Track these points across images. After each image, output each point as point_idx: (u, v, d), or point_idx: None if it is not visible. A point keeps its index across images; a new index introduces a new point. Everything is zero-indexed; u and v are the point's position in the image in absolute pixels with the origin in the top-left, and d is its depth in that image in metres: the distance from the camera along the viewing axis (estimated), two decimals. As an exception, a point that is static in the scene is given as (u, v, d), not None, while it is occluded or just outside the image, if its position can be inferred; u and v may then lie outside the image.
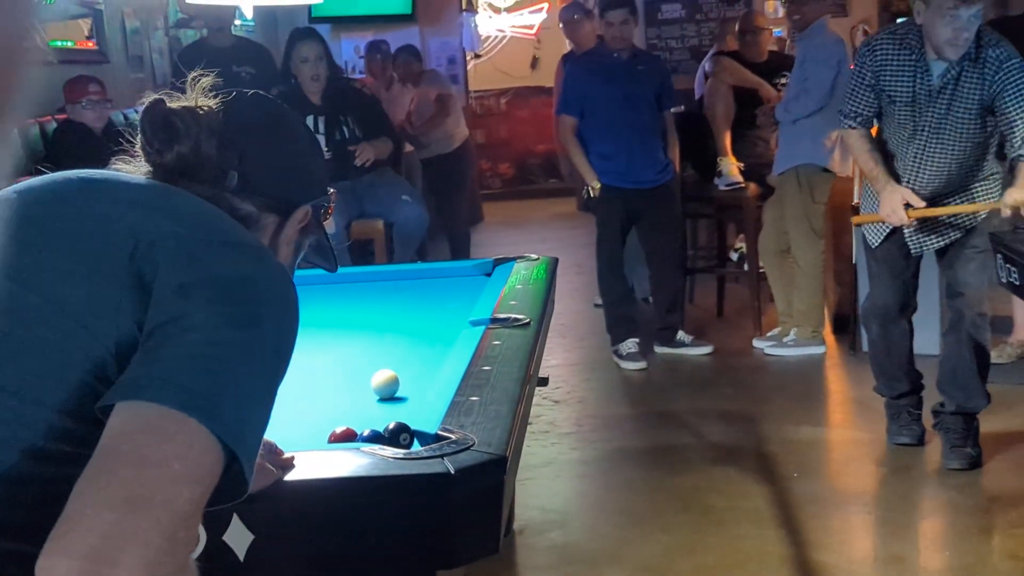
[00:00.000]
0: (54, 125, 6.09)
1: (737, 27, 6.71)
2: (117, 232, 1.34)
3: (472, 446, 1.86)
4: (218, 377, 1.24)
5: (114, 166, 1.57)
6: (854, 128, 4.23)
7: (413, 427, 1.99)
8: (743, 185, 6.22)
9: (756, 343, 6.00)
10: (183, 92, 1.63)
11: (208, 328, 1.27)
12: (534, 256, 3.74)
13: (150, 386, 1.21)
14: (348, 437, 2.07)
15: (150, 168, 1.55)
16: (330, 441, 2.07)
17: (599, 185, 5.78)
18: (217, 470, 1.21)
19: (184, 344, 1.25)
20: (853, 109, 4.22)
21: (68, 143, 5.50)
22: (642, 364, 5.79)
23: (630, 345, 5.84)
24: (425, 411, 2.11)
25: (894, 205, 4.04)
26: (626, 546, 3.71)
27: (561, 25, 7.51)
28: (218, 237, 1.39)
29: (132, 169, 1.56)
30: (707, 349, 5.97)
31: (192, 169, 1.52)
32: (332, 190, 1.77)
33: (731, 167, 6.23)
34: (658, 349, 5.99)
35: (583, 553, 3.70)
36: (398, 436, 1.95)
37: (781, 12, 8.46)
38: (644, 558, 3.60)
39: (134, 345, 1.27)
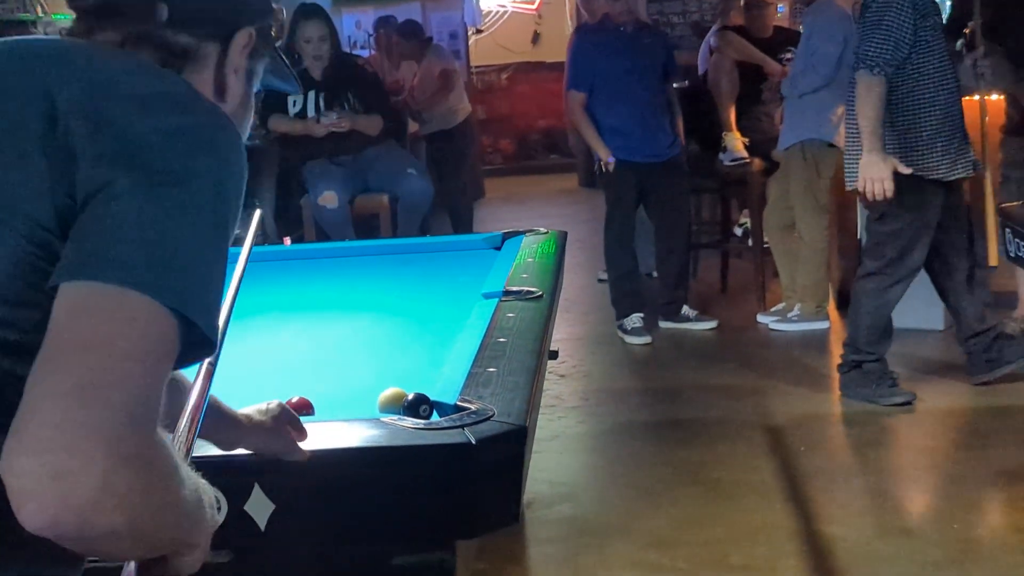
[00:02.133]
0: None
1: (743, 2, 6.69)
2: (33, 103, 1.26)
3: (492, 417, 1.86)
4: (154, 242, 1.18)
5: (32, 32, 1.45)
6: (882, 76, 4.34)
7: (432, 398, 1.99)
8: (748, 160, 6.21)
9: (760, 318, 6.01)
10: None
11: (137, 193, 1.19)
12: (543, 230, 3.75)
13: (84, 265, 1.15)
14: (302, 407, 2.06)
15: (73, 18, 1.45)
16: None
17: (613, 161, 5.76)
18: (171, 339, 1.16)
19: (113, 215, 1.18)
20: (891, 57, 4.34)
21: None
22: (647, 339, 5.80)
23: (635, 320, 5.85)
24: (443, 382, 2.12)
25: (884, 173, 4.27)
26: (635, 519, 3.72)
27: None
28: (139, 91, 1.30)
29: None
30: (711, 324, 5.98)
31: (117, 7, 1.41)
32: (277, 6, 1.59)
33: (736, 142, 6.22)
34: (663, 324, 6.00)
35: (592, 526, 3.71)
36: (417, 407, 1.95)
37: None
38: (653, 531, 3.62)
39: (75, 217, 1.20)
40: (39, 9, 6.49)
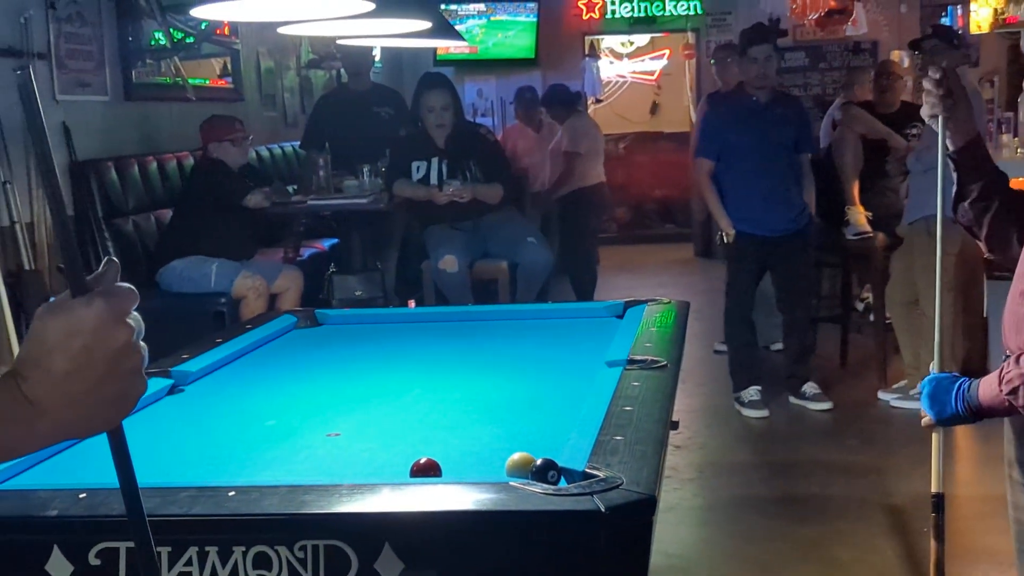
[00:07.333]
0: (191, 161, 6.29)
1: (873, 74, 6.66)
2: None
3: (621, 485, 1.87)
4: None
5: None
6: None
7: (559, 464, 1.99)
8: (871, 235, 6.14)
9: (881, 395, 5.90)
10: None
11: None
12: (665, 300, 3.74)
13: None
14: (430, 468, 2.07)
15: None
16: (413, 472, 2.06)
17: (734, 232, 5.73)
18: None
19: None
20: None
21: (206, 179, 5.68)
22: (764, 412, 5.73)
23: (752, 392, 5.78)
24: (569, 449, 2.12)
25: None
26: (751, 595, 3.67)
27: (712, 62, 7.62)
28: None
29: None
30: (826, 405, 5.85)
31: None
32: None
33: (859, 216, 6.16)
34: (791, 400, 5.91)
35: (708, 600, 3.67)
36: (546, 472, 1.95)
37: (906, 62, 8.36)
38: (770, 608, 3.56)
39: None
40: (174, 71, 6.72)
